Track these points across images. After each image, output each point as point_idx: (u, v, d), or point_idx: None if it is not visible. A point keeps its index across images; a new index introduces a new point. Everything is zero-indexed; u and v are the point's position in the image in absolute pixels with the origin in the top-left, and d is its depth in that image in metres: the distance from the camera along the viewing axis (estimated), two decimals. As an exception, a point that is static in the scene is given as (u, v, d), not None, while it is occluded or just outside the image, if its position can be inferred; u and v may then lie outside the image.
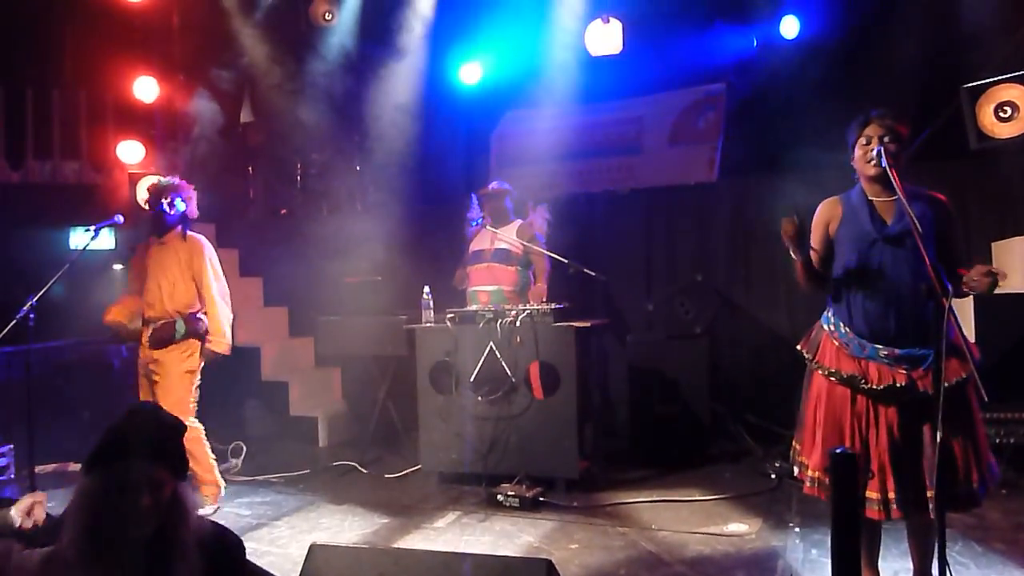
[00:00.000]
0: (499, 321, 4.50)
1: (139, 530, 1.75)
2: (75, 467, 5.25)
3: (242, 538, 2.03)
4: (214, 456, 4.46)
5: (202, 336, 4.43)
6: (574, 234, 5.65)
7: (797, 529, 3.72)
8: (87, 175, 6.54)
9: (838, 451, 2.33)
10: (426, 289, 4.83)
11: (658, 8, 5.79)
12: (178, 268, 4.44)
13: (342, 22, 6.41)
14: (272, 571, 2.13)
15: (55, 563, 1.73)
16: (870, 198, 2.80)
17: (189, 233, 4.56)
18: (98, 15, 6.32)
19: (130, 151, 6.18)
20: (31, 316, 3.78)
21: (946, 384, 2.45)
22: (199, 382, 4.43)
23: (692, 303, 5.38)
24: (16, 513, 2.08)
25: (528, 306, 4.57)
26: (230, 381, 5.40)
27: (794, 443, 2.97)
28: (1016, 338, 4.17)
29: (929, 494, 2.59)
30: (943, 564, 2.24)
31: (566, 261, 4.84)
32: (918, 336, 2.64)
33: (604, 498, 4.29)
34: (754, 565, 3.33)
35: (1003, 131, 4.26)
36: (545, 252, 4.99)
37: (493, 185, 5.24)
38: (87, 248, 4.31)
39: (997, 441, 4.05)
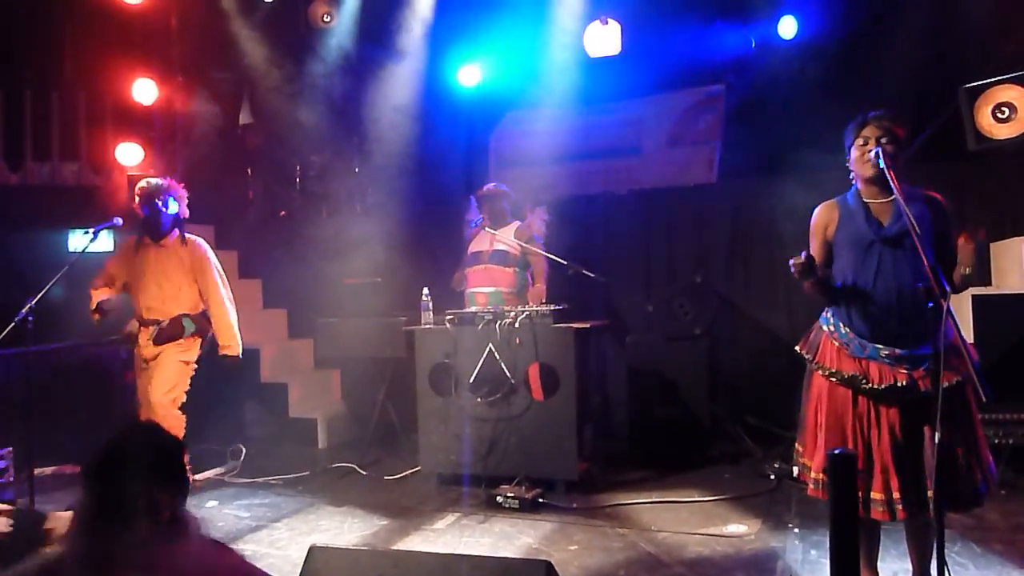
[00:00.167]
0: (498, 322, 4.50)
1: (138, 554, 1.74)
2: (74, 469, 5.25)
3: (242, 540, 2.03)
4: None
5: (207, 335, 4.49)
6: (574, 235, 5.66)
7: (796, 530, 3.72)
8: (86, 177, 6.53)
9: (837, 452, 2.34)
10: (425, 291, 4.83)
11: (657, 9, 5.78)
12: (181, 271, 4.47)
13: (341, 24, 6.41)
14: (272, 573, 2.12)
15: None
16: (866, 200, 2.80)
17: (188, 236, 4.57)
18: (97, 17, 6.31)
19: (129, 153, 6.17)
20: (30, 318, 3.79)
21: (945, 384, 2.45)
22: (192, 374, 4.48)
23: (691, 304, 5.38)
24: None
25: (527, 307, 4.57)
26: (229, 383, 5.40)
27: (796, 445, 2.97)
28: (1014, 338, 4.17)
29: (930, 494, 2.59)
30: (942, 565, 2.24)
31: (565, 262, 4.85)
32: (919, 336, 2.64)
33: (603, 499, 4.29)
34: (753, 566, 3.33)
35: (1001, 132, 4.27)
36: (543, 253, 5.00)
37: (490, 186, 5.25)
38: (86, 250, 4.32)
39: (996, 442, 4.04)
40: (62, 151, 6.54)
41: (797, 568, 3.29)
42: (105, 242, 5.00)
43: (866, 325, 2.74)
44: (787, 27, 5.58)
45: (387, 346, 5.34)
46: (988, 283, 4.74)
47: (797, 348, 2.95)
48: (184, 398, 4.47)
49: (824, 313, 2.92)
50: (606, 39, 5.69)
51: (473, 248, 5.22)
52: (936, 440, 2.31)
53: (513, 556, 3.43)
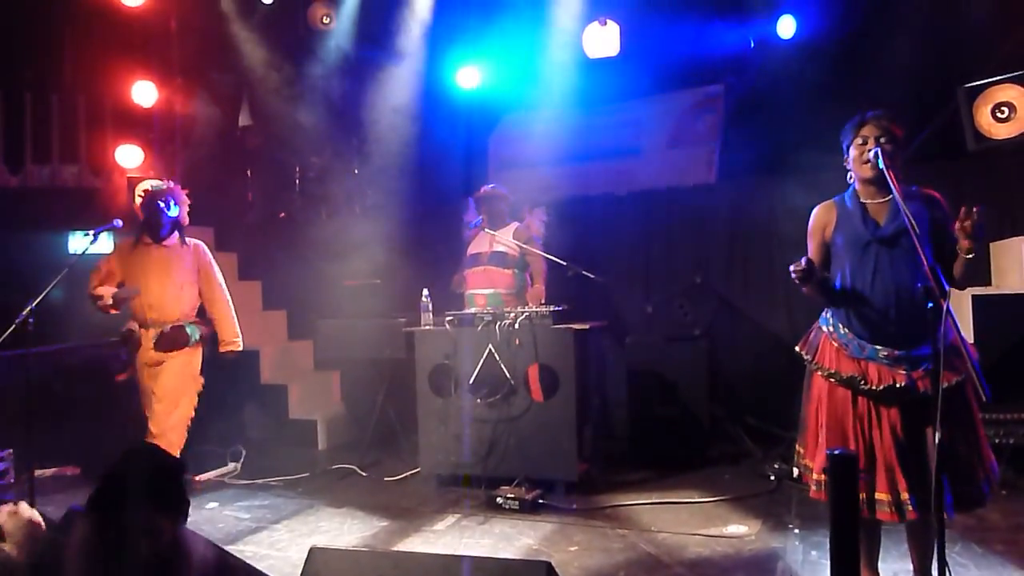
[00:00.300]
0: (498, 323, 4.50)
1: None
2: (74, 471, 5.25)
3: (242, 541, 2.03)
4: None
5: (206, 340, 4.54)
6: (573, 236, 5.65)
7: (796, 530, 3.72)
8: (86, 179, 6.54)
9: (836, 452, 2.33)
10: (425, 292, 4.83)
11: (655, 9, 5.79)
12: (183, 272, 4.50)
13: (340, 25, 6.42)
14: (272, 575, 2.12)
15: None
16: (863, 200, 2.79)
17: (188, 239, 4.61)
18: (97, 19, 6.32)
19: (129, 155, 6.19)
20: (30, 320, 3.79)
21: (945, 384, 2.45)
22: (200, 389, 4.54)
23: (691, 305, 5.38)
24: None
25: (527, 308, 4.57)
26: (229, 384, 5.41)
27: (797, 446, 2.96)
28: (1014, 338, 4.16)
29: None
30: (943, 565, 2.24)
31: (564, 263, 4.85)
32: (917, 336, 2.63)
33: (603, 500, 4.29)
34: (753, 567, 3.33)
35: (1000, 131, 4.28)
36: (542, 254, 5.00)
37: (488, 188, 5.25)
38: (86, 252, 4.32)
39: (997, 441, 4.04)
40: (62, 153, 6.55)
41: (797, 569, 3.29)
42: (105, 244, 5.01)
43: (865, 326, 2.73)
44: (786, 27, 5.58)
45: (387, 347, 5.33)
46: (988, 283, 4.75)
47: (797, 348, 2.95)
48: (192, 413, 4.51)
49: (824, 314, 2.92)
50: (605, 40, 5.69)
51: (472, 250, 5.22)
52: (936, 440, 2.30)
53: (513, 557, 3.43)
